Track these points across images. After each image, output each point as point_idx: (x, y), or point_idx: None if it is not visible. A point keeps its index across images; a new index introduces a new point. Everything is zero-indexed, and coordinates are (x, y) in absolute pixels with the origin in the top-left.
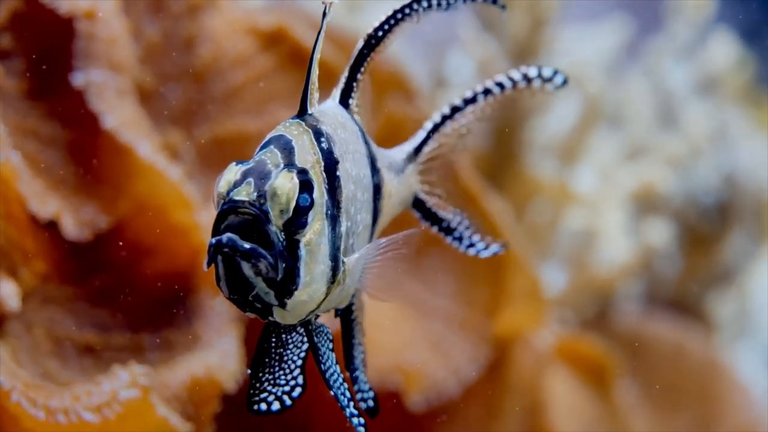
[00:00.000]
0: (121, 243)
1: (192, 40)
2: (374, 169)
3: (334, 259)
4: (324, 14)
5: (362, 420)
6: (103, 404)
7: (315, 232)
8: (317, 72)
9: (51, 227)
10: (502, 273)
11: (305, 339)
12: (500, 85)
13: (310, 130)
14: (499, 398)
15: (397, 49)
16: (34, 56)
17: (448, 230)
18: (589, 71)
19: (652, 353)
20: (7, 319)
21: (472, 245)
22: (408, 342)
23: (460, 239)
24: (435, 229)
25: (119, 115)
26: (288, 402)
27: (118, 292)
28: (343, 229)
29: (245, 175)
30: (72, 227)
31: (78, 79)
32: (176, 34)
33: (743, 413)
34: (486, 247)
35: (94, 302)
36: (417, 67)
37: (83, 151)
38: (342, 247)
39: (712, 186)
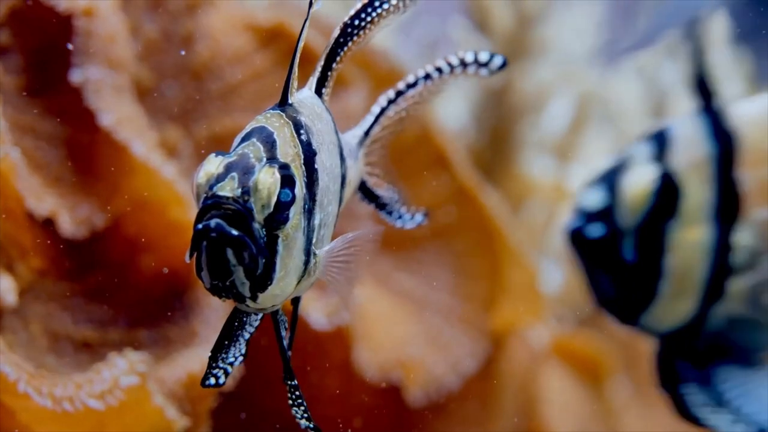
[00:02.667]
0: (117, 239)
1: (190, 38)
2: (342, 159)
3: (307, 252)
4: (310, 4)
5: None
6: (105, 391)
7: (292, 227)
8: (297, 62)
9: (48, 223)
10: (500, 266)
11: (259, 317)
12: (439, 69)
13: (290, 122)
14: (495, 393)
15: (392, 47)
16: (32, 53)
17: (382, 206)
18: (581, 69)
19: (647, 351)
20: (3, 314)
21: (400, 217)
22: (407, 336)
23: (390, 213)
24: (372, 206)
25: (116, 112)
26: (229, 370)
27: (114, 288)
28: (317, 221)
29: (228, 169)
30: (68, 225)
31: (75, 76)
32: (174, 31)
33: None
34: (411, 218)
35: (90, 298)
36: (411, 65)
37: (81, 147)
38: (314, 240)
39: None
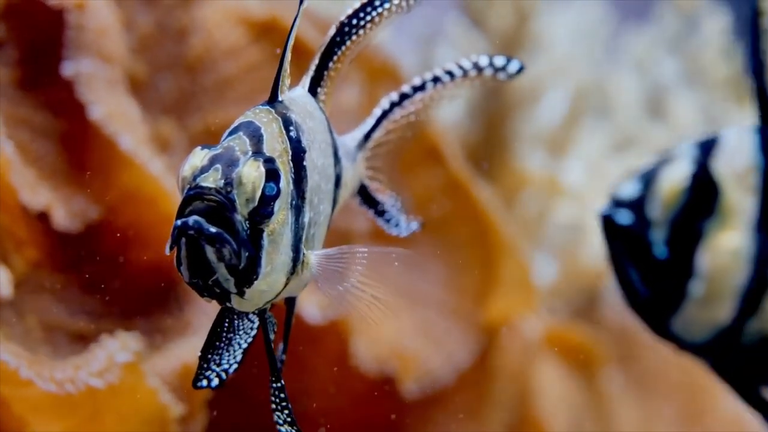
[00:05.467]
0: (111, 231)
1: (184, 31)
2: (336, 159)
3: (296, 249)
4: (300, 2)
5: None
6: (103, 369)
7: (279, 222)
8: (290, 58)
9: (43, 216)
10: (493, 260)
11: (255, 326)
12: (450, 73)
13: (279, 118)
14: (489, 385)
15: (387, 41)
16: (27, 46)
17: (381, 213)
18: (576, 63)
19: (639, 343)
20: None
21: (396, 225)
22: (402, 329)
23: (388, 221)
24: (371, 212)
25: (106, 105)
26: (224, 377)
27: (109, 280)
28: (306, 219)
29: (212, 161)
30: (63, 218)
31: (67, 69)
32: (169, 24)
33: (729, 403)
34: (407, 226)
35: (85, 290)
36: (407, 59)
37: (75, 141)
38: (303, 238)
39: None
